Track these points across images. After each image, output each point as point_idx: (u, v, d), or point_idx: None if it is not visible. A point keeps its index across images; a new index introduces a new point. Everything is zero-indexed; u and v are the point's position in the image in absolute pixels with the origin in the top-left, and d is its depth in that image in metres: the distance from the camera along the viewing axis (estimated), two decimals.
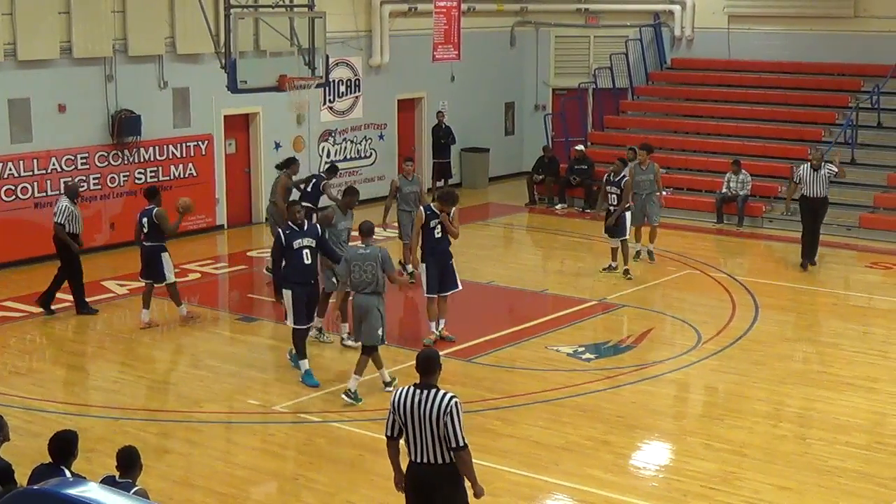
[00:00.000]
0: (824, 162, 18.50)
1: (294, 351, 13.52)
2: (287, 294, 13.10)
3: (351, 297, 12.92)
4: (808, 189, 18.48)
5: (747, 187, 22.17)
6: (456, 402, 7.85)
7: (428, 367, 8.04)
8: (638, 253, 19.03)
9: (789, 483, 10.51)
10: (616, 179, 18.00)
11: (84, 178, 19.21)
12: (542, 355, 14.25)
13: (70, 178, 18.37)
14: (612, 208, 17.98)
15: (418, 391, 7.93)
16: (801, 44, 24.96)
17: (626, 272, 18.00)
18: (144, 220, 15.27)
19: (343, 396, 12.51)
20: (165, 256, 15.36)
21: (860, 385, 13.25)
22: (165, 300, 16.13)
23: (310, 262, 13.10)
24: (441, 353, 13.96)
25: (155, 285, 15.46)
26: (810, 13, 24.74)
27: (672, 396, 13.21)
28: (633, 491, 10.48)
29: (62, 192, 16.77)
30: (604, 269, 18.34)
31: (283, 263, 13.15)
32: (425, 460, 7.95)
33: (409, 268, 17.29)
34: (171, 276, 15.47)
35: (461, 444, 7.86)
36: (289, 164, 17.69)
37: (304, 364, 13.27)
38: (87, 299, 16.21)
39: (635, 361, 14.00)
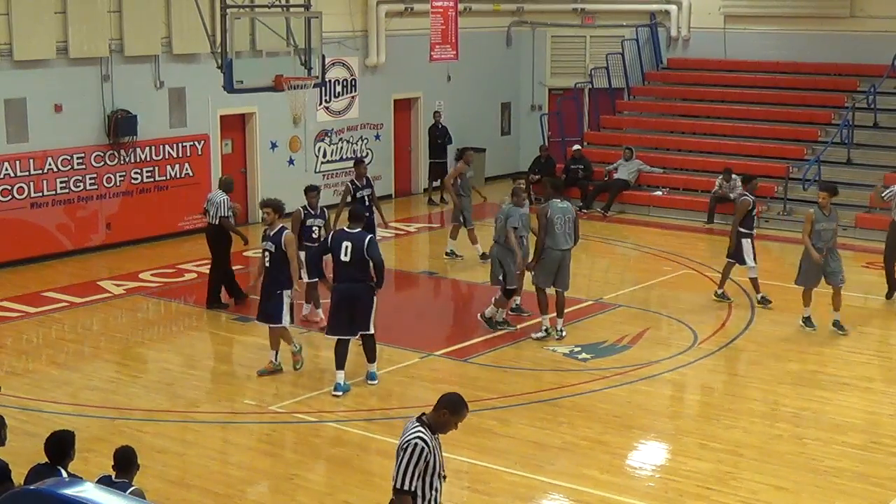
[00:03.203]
0: None
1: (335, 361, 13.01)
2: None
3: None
4: None
5: (737, 189, 22.09)
6: (414, 444, 7.21)
7: (438, 402, 7.46)
8: (808, 320, 15.23)
9: (785, 483, 10.52)
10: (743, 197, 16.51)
11: (80, 178, 19.20)
12: (538, 355, 14.25)
13: (224, 175, 18.22)
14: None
15: (414, 418, 7.46)
16: (797, 44, 24.98)
17: (723, 294, 16.64)
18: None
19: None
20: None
21: (856, 385, 13.27)
22: (160, 300, 16.12)
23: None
24: (435, 354, 14.13)
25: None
26: (806, 13, 24.76)
27: (668, 396, 13.22)
28: (630, 491, 10.48)
29: (217, 186, 16.83)
30: (726, 299, 16.63)
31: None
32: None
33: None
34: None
35: (397, 485, 7.21)
36: (464, 153, 19.14)
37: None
38: (85, 299, 16.19)
39: (631, 361, 14.00)
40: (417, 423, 7.34)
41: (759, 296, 16.44)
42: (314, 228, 15.08)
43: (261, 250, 13.41)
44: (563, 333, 14.78)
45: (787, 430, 11.89)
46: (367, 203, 17.21)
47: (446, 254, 19.24)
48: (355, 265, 12.54)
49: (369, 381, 13.09)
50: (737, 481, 10.57)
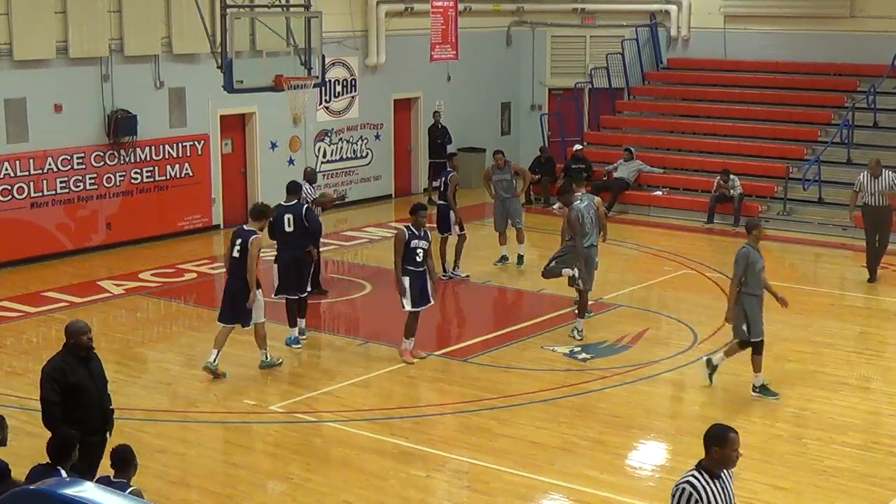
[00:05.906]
0: (884, 168, 17.33)
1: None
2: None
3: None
4: (869, 197, 17.67)
5: (738, 190, 22.08)
6: (682, 489, 7.00)
7: (703, 443, 7.27)
8: None
9: (785, 483, 10.52)
10: None
11: (80, 178, 19.19)
12: (538, 355, 14.25)
13: (308, 167, 18.59)
14: None
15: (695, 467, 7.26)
16: (797, 44, 24.98)
17: None
18: (441, 180, 17.95)
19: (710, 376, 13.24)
20: (451, 215, 17.56)
21: (856, 385, 13.27)
22: (160, 300, 16.09)
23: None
24: (435, 354, 14.14)
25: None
26: (806, 13, 24.75)
27: (668, 396, 13.22)
28: (630, 491, 10.48)
29: (302, 178, 16.79)
30: None
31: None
32: None
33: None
34: (454, 230, 17.61)
35: None
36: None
37: None
38: (85, 299, 16.20)
39: (631, 361, 13.99)
40: (693, 469, 7.16)
41: None
42: (418, 251, 13.60)
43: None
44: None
45: (787, 430, 11.88)
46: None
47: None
48: (297, 234, 14.34)
49: (301, 337, 14.50)
50: (737, 481, 10.44)
